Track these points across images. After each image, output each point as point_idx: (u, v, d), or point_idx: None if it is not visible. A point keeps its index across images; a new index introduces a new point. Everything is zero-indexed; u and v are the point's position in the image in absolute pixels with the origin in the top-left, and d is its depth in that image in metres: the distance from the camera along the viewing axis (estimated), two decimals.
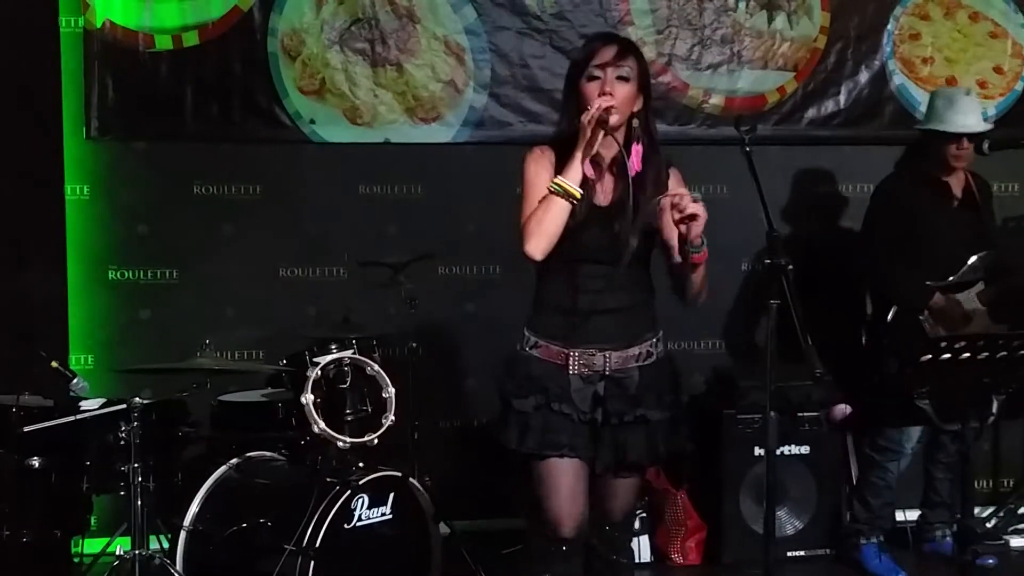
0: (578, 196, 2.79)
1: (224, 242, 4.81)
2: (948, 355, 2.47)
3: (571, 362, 2.89)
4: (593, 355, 2.89)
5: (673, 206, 2.73)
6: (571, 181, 2.78)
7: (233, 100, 4.76)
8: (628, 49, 2.89)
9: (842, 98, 5.11)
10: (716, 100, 5.03)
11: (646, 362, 2.93)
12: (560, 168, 2.83)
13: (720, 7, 5.02)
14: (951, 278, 4.25)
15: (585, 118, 2.76)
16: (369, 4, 4.81)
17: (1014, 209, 5.10)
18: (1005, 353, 2.50)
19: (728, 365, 4.88)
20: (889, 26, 5.13)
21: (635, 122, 2.88)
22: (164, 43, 4.70)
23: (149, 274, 4.78)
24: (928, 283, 4.23)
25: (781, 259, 2.62)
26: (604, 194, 2.91)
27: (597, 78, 2.84)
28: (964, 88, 4.86)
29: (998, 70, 5.21)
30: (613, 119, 2.77)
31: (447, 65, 4.89)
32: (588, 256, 2.87)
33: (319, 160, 4.85)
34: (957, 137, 4.22)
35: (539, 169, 2.89)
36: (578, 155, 2.78)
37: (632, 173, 2.81)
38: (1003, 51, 5.22)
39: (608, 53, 2.85)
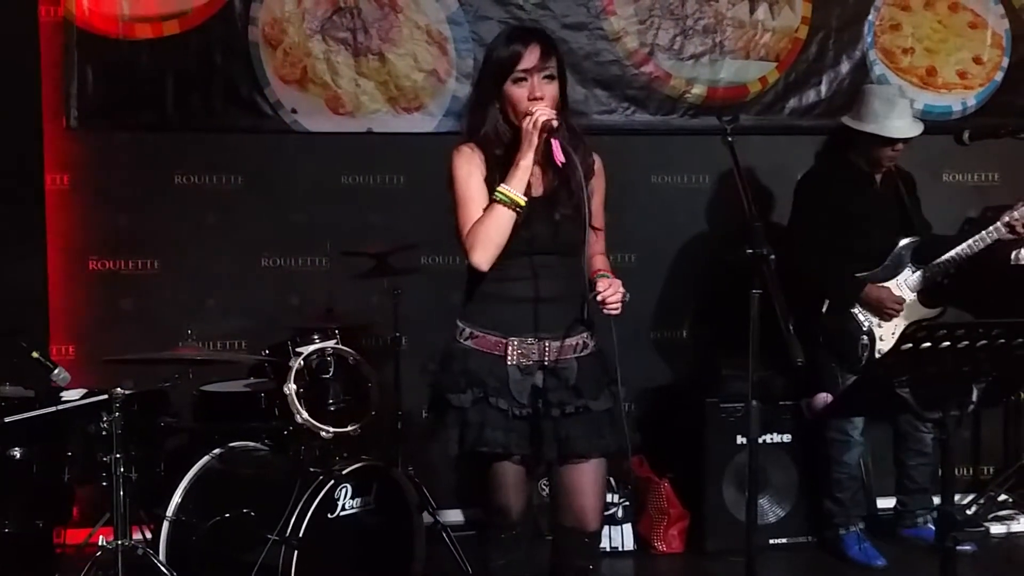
0: (523, 204, 2.78)
1: (206, 232, 4.79)
2: (928, 344, 2.48)
3: (510, 351, 2.87)
4: (532, 344, 2.87)
5: (601, 302, 2.78)
6: (516, 189, 2.77)
7: (214, 89, 4.73)
8: (551, 48, 2.87)
9: (823, 88, 5.13)
10: (698, 90, 5.04)
11: (583, 353, 2.92)
12: (500, 171, 2.82)
13: None
14: (878, 268, 4.30)
15: (528, 124, 2.75)
16: None
17: (994, 199, 5.13)
18: (985, 342, 2.52)
19: (711, 354, 4.89)
20: (870, 16, 5.15)
21: None
22: (144, 32, 4.67)
23: (130, 264, 4.75)
24: (857, 275, 4.27)
25: (763, 249, 2.63)
26: (538, 185, 2.90)
27: (523, 80, 2.83)
28: (896, 87, 4.89)
29: (977, 60, 5.24)
30: (555, 122, 2.76)
31: (429, 55, 4.88)
32: (530, 248, 2.85)
33: (301, 150, 4.83)
34: (894, 141, 4.24)
35: (471, 169, 2.87)
36: (524, 162, 2.77)
37: (559, 164, 2.80)
38: (982, 41, 5.25)
39: (533, 56, 2.83)
